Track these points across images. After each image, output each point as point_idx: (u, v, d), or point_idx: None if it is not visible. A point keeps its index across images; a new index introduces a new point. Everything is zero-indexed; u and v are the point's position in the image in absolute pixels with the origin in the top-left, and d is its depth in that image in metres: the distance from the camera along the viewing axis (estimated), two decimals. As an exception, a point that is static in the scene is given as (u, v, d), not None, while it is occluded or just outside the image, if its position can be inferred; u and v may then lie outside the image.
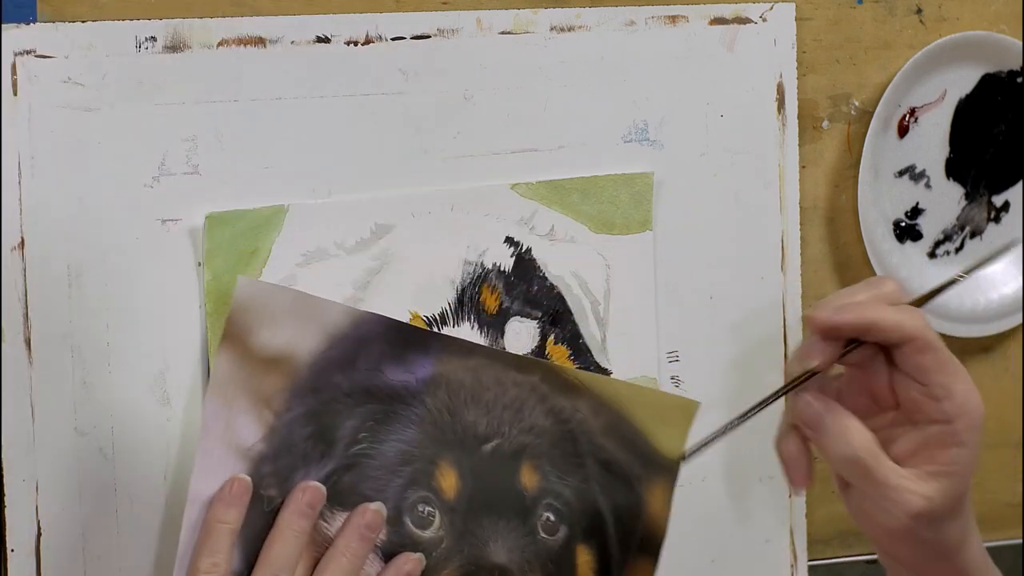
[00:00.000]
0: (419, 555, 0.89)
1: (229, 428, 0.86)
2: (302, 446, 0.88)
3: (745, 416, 0.90)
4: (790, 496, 1.10)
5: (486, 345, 0.95)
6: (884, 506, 0.85)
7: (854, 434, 0.86)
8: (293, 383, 0.87)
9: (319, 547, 0.88)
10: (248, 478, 0.86)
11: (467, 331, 1.01)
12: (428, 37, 1.00)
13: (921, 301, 0.88)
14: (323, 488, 0.87)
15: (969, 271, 0.88)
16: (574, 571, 0.92)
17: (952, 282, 0.87)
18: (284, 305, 0.87)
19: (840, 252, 1.13)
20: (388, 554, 0.89)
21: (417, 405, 0.89)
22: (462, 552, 0.89)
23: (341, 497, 0.88)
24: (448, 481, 0.90)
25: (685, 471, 1.07)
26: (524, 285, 1.03)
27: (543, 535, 0.91)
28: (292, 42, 0.97)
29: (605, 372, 1.05)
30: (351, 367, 0.88)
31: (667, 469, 0.93)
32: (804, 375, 0.88)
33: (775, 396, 0.89)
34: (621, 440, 0.92)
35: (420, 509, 0.89)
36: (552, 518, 0.91)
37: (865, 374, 0.89)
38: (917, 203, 1.15)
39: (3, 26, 0.91)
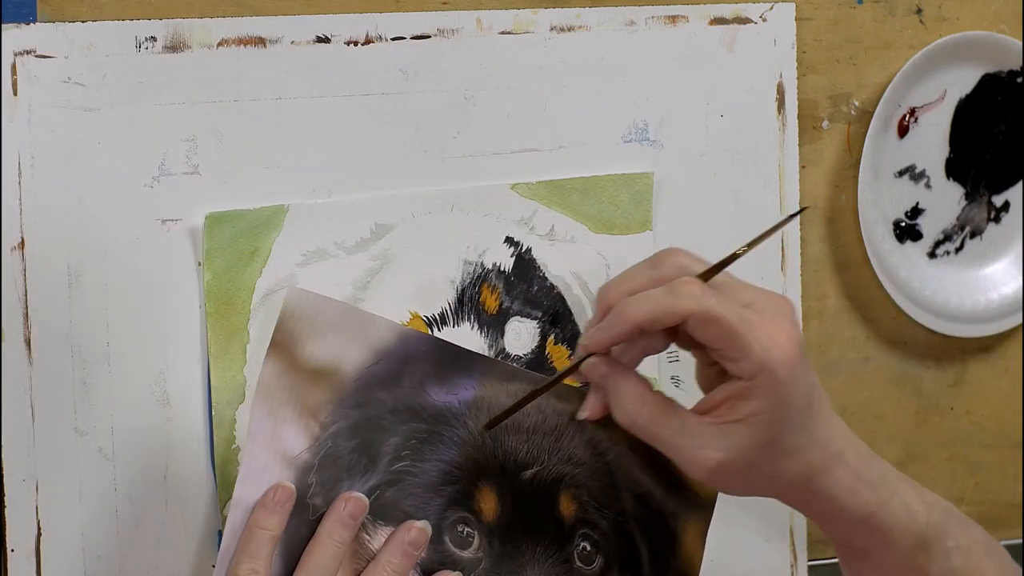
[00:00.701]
0: (458, 574, 0.89)
1: (275, 436, 0.86)
2: (347, 459, 0.88)
3: (536, 394, 0.90)
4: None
5: (529, 371, 0.96)
6: (684, 465, 0.87)
7: (632, 402, 0.87)
8: (339, 396, 0.88)
9: (359, 560, 0.88)
10: (292, 485, 0.87)
11: (467, 331, 1.01)
12: (428, 37, 1.00)
13: (705, 275, 0.87)
14: (366, 499, 0.88)
15: (752, 244, 0.88)
16: None
17: (734, 256, 0.87)
18: (333, 317, 0.87)
19: (840, 252, 1.13)
20: (427, 572, 0.89)
21: (459, 427, 0.90)
22: (499, 574, 0.90)
23: (383, 512, 0.89)
24: (488, 504, 0.90)
25: (685, 471, 1.08)
26: (524, 285, 1.03)
27: (579, 564, 0.91)
28: (292, 42, 0.97)
29: (605, 372, 1.05)
30: (396, 384, 0.89)
31: (703, 506, 0.94)
32: (579, 360, 0.88)
33: (558, 378, 0.89)
34: (658, 475, 0.93)
35: (460, 529, 0.90)
36: (588, 548, 0.92)
37: (664, 342, 0.89)
38: (917, 203, 1.15)
39: (3, 26, 0.91)
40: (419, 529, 0.89)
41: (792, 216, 0.90)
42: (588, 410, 0.90)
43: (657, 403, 0.88)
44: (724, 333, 0.85)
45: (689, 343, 0.89)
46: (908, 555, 0.94)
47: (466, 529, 0.90)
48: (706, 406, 0.87)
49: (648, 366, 1.06)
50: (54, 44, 0.92)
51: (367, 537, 0.88)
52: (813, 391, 0.88)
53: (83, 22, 0.93)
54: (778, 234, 1.09)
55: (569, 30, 1.03)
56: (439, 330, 1.01)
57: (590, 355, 0.88)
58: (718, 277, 0.87)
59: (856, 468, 0.90)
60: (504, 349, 1.02)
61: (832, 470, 0.89)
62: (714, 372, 0.89)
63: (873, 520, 0.91)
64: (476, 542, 0.90)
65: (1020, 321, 1.18)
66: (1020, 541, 1.20)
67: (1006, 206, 1.18)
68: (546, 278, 1.04)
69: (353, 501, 0.88)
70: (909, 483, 0.95)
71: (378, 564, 0.88)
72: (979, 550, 0.96)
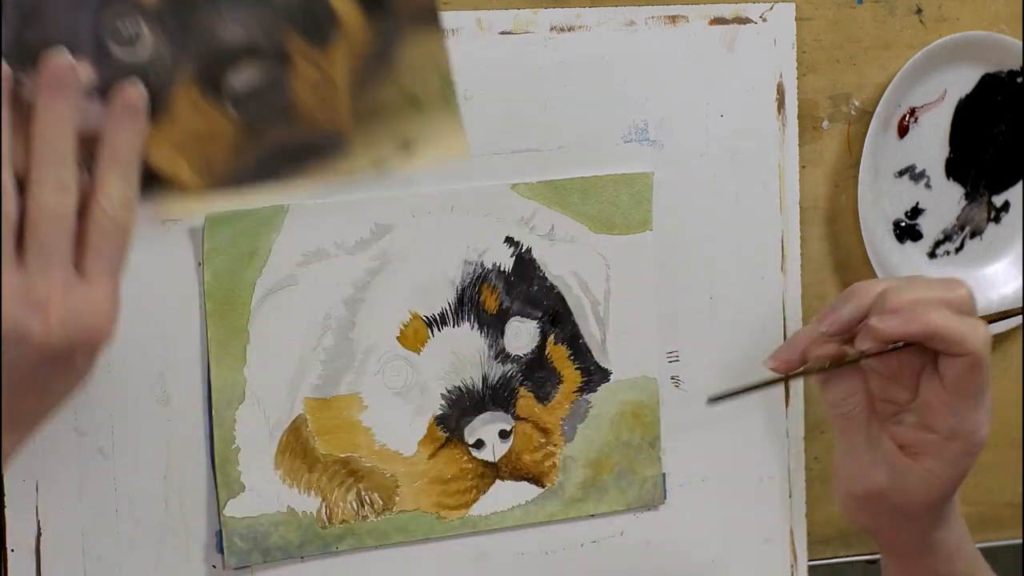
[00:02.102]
0: (132, 79, 0.77)
1: None
2: None
3: (769, 383, 0.93)
4: (790, 496, 1.11)
5: None
6: (854, 469, 0.90)
7: (855, 391, 0.90)
8: None
9: (27, 124, 0.75)
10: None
11: (467, 331, 1.01)
12: (428, 37, 1.00)
13: (992, 318, 0.89)
14: None
15: None
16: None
17: None
18: None
19: (840, 252, 1.13)
20: (105, 93, 0.78)
21: None
22: (188, 51, 0.78)
23: (27, 55, 0.75)
24: None
25: (684, 472, 1.08)
26: (524, 285, 1.03)
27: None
28: (292, 42, 0.97)
29: (605, 372, 1.05)
30: None
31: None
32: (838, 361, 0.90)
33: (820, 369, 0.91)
34: None
35: (121, 29, 0.77)
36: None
37: (897, 362, 0.91)
38: (917, 203, 1.15)
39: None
40: (53, 56, 0.75)
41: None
42: (777, 361, 0.92)
43: (859, 411, 0.90)
44: (975, 388, 0.87)
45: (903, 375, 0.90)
46: None
47: (128, 23, 0.78)
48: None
49: (648, 366, 1.06)
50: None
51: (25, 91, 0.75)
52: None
53: (83, 22, 0.92)
54: (779, 234, 1.09)
55: (569, 30, 1.03)
56: (439, 330, 1.01)
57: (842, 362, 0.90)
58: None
59: (962, 533, 0.93)
60: (504, 349, 1.02)
61: (954, 528, 0.92)
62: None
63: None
64: (145, 32, 0.78)
65: (1020, 321, 1.18)
66: (1020, 541, 1.20)
67: (1006, 206, 1.18)
68: (546, 278, 1.03)
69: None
70: (971, 546, 0.96)
71: (36, 117, 0.75)
72: None
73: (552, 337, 1.04)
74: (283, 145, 0.83)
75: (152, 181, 0.81)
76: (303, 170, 0.84)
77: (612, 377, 1.05)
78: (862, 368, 0.91)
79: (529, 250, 1.03)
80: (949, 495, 0.91)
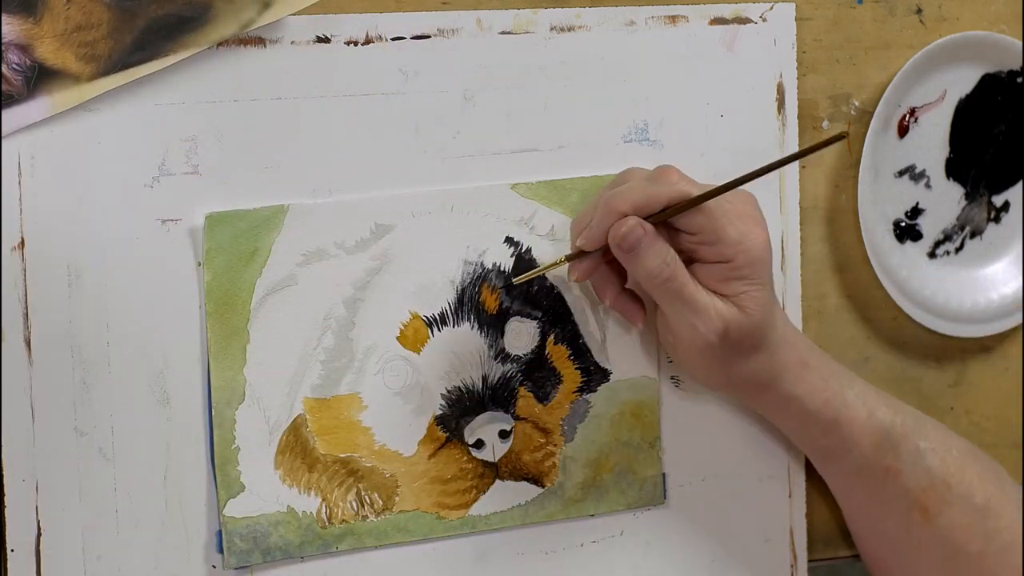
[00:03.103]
0: None
1: None
2: None
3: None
4: (789, 496, 1.11)
5: None
6: (693, 323, 0.95)
7: (669, 253, 0.94)
8: None
9: None
10: None
11: (467, 331, 1.01)
12: (428, 37, 1.00)
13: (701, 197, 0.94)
14: None
15: (753, 175, 0.95)
16: None
17: (734, 183, 0.94)
18: None
19: (840, 252, 1.13)
20: None
21: None
22: None
23: None
24: None
25: (684, 472, 1.08)
26: (524, 285, 1.03)
27: None
28: (292, 42, 0.97)
29: (605, 372, 1.05)
30: None
31: None
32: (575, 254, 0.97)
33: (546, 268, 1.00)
34: None
35: None
36: None
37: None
38: (917, 203, 1.15)
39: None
40: None
41: (828, 142, 0.92)
42: (576, 273, 0.97)
43: (680, 265, 0.94)
44: (702, 216, 0.93)
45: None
46: (872, 454, 1.01)
47: None
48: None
49: (648, 366, 1.06)
50: (53, 42, 0.92)
51: None
52: (775, 296, 0.98)
53: (83, 21, 0.93)
54: (779, 234, 1.09)
55: (569, 30, 1.03)
56: (439, 330, 1.01)
57: (582, 253, 0.97)
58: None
59: (807, 358, 0.99)
60: (504, 349, 1.02)
61: (784, 355, 0.97)
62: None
63: (828, 411, 0.99)
64: None
65: (1020, 321, 1.18)
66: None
67: (1006, 206, 1.18)
68: (546, 278, 1.04)
69: None
70: (873, 388, 1.02)
71: None
72: (961, 454, 1.01)
73: (552, 337, 1.04)
74: (156, 21, 0.92)
75: (43, 76, 0.89)
76: (177, 42, 0.93)
77: (612, 377, 1.05)
78: (668, 227, 0.95)
79: (529, 250, 1.03)
80: (763, 319, 0.95)
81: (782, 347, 0.98)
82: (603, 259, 0.98)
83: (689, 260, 0.96)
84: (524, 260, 1.03)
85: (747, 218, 0.95)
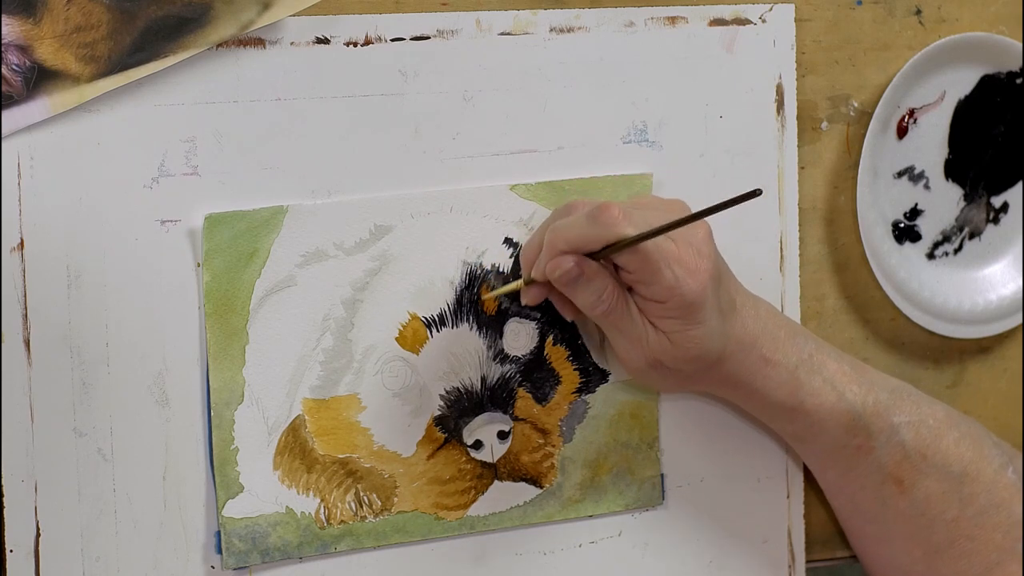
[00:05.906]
0: None
1: None
2: None
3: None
4: (788, 497, 1.11)
5: None
6: (628, 349, 0.97)
7: (606, 288, 0.95)
8: None
9: None
10: None
11: (466, 332, 1.01)
12: (428, 38, 1.00)
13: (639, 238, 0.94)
14: None
15: (694, 217, 0.93)
16: None
17: (671, 225, 0.92)
18: None
19: (839, 253, 1.13)
20: None
21: None
22: None
23: None
24: None
25: (683, 472, 1.08)
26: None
27: None
28: (292, 42, 0.97)
29: (603, 373, 1.05)
30: None
31: None
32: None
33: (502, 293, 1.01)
34: None
35: None
36: None
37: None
38: (916, 204, 1.15)
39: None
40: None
41: (744, 197, 0.90)
42: (529, 298, 0.99)
43: (619, 297, 0.95)
44: (637, 258, 0.93)
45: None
46: (842, 436, 1.01)
47: None
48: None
49: (647, 367, 1.06)
50: (52, 43, 0.92)
51: None
52: (724, 301, 0.97)
53: (82, 22, 0.93)
54: (777, 235, 1.09)
55: (568, 31, 1.03)
56: (438, 331, 1.01)
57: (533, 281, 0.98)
58: (648, 209, 0.97)
59: (769, 354, 0.99)
60: (503, 350, 1.02)
61: (740, 358, 0.98)
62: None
63: (793, 401, 0.99)
64: None
65: (1019, 322, 1.18)
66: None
67: (1005, 207, 1.18)
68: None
69: None
70: (849, 364, 1.02)
71: None
72: (938, 423, 1.01)
73: (551, 337, 1.04)
74: (156, 22, 0.92)
75: (43, 77, 0.89)
76: (177, 43, 0.93)
77: (610, 378, 1.05)
78: (602, 266, 0.95)
79: (528, 251, 1.03)
80: (708, 344, 0.96)
81: (737, 354, 0.98)
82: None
83: (631, 289, 0.97)
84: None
85: (686, 262, 0.94)
